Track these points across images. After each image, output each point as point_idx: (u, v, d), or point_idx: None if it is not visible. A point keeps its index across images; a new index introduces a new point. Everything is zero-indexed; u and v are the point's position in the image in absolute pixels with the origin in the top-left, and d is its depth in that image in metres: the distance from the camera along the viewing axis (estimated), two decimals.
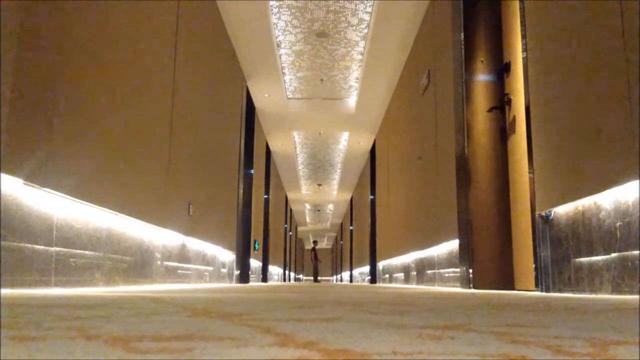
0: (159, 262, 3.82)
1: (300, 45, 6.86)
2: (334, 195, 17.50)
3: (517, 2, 3.56)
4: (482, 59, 4.33)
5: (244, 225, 7.58)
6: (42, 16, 2.18)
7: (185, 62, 4.36)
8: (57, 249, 2.36)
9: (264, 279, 10.75)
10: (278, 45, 6.85)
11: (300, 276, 36.53)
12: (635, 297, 1.95)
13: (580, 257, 2.47)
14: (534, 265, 2.98)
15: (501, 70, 4.22)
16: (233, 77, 6.76)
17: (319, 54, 7.11)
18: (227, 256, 6.54)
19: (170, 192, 4.00)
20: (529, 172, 3.09)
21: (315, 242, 22.58)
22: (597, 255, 2.32)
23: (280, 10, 5.95)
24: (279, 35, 6.59)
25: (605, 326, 0.84)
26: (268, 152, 11.04)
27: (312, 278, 35.21)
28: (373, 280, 10.53)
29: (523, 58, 3.19)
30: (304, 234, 30.85)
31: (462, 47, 4.38)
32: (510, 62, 4.07)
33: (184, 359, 0.48)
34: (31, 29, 2.10)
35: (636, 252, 2.02)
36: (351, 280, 16.56)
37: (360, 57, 7.21)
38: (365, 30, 6.44)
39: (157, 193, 3.70)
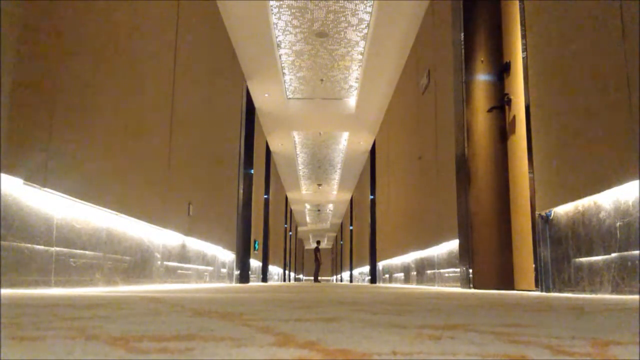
0: (158, 262, 3.82)
1: (300, 45, 6.86)
2: (334, 195, 17.50)
3: (517, 2, 3.56)
4: (482, 59, 4.33)
5: (244, 225, 7.57)
6: (42, 16, 2.18)
7: (185, 62, 4.36)
8: (57, 249, 2.36)
9: (264, 279, 10.75)
10: (278, 45, 6.85)
11: (300, 276, 36.54)
12: (635, 297, 1.95)
13: (580, 257, 2.47)
14: (534, 265, 2.98)
15: (501, 70, 4.22)
16: (233, 77, 6.76)
17: (319, 54, 7.11)
18: (227, 256, 6.54)
19: (170, 192, 4.00)
20: (529, 172, 3.09)
21: (318, 242, 22.70)
22: (597, 255, 2.32)
23: (280, 10, 5.95)
24: (279, 35, 6.58)
25: (605, 326, 0.84)
26: (268, 152, 11.04)
27: (312, 278, 35.25)
28: (373, 280, 10.53)
29: (523, 58, 3.19)
30: (304, 234, 30.84)
31: (462, 47, 4.38)
32: (510, 62, 4.07)
33: (184, 359, 0.48)
34: (31, 28, 2.10)
35: (636, 252, 2.02)
36: (351, 281, 16.56)
37: (360, 57, 7.21)
38: (365, 30, 6.44)
39: (157, 193, 3.70)
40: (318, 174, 14.48)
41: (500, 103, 4.16)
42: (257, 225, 9.15)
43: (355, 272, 15.26)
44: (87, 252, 2.65)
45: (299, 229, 27.49)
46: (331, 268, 36.92)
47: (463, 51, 4.37)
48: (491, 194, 4.14)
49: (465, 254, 4.13)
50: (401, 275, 7.23)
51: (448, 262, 4.71)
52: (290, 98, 8.80)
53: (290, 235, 20.77)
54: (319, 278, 24.57)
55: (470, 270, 4.03)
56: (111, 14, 2.87)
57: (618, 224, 2.16)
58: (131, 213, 3.19)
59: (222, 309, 1.19)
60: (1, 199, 1.93)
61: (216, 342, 0.59)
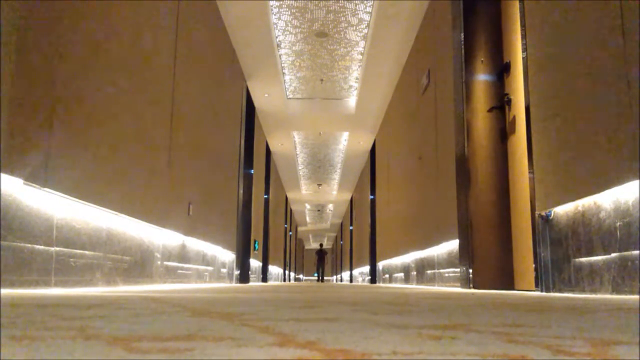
0: (159, 262, 3.82)
1: (300, 45, 6.86)
2: (334, 195, 17.50)
3: (517, 2, 3.56)
4: (482, 59, 4.33)
5: (244, 225, 7.57)
6: (42, 16, 2.18)
7: (185, 62, 4.36)
8: (57, 249, 2.36)
9: (264, 279, 10.75)
10: (278, 45, 6.85)
11: (300, 276, 36.56)
12: (635, 297, 1.95)
13: (580, 257, 2.47)
14: (534, 265, 2.98)
15: (501, 70, 4.22)
16: (233, 77, 6.76)
17: (319, 54, 7.11)
18: (227, 256, 6.54)
19: (170, 192, 4.00)
20: (529, 172, 3.09)
21: (321, 245, 22.82)
22: (597, 255, 2.32)
23: (280, 10, 5.95)
24: (279, 35, 6.58)
25: (605, 326, 0.84)
26: (268, 152, 11.04)
27: (312, 278, 35.28)
28: (373, 280, 10.53)
29: (523, 58, 3.19)
30: (304, 234, 30.84)
31: (462, 47, 4.38)
32: (510, 62, 4.07)
33: (184, 359, 0.48)
34: (31, 28, 2.10)
35: (636, 252, 2.02)
36: (351, 280, 16.56)
37: (360, 57, 7.21)
38: (365, 30, 6.44)
39: (157, 193, 3.70)
40: (318, 174, 14.48)
41: (500, 103, 4.15)
42: (257, 225, 9.15)
43: (355, 272, 15.25)
44: (87, 252, 2.65)
45: (299, 229, 27.48)
46: (331, 268, 36.92)
47: (463, 51, 4.37)
48: (491, 194, 4.14)
49: (465, 254, 4.13)
50: (401, 275, 7.23)
51: (448, 262, 4.71)
52: (290, 98, 8.80)
53: (290, 235, 20.77)
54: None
55: (470, 270, 4.03)
56: (111, 14, 2.87)
57: (618, 224, 2.16)
58: (131, 213, 3.19)
59: (222, 309, 1.19)
60: (1, 199, 1.93)
61: (216, 342, 0.59)
